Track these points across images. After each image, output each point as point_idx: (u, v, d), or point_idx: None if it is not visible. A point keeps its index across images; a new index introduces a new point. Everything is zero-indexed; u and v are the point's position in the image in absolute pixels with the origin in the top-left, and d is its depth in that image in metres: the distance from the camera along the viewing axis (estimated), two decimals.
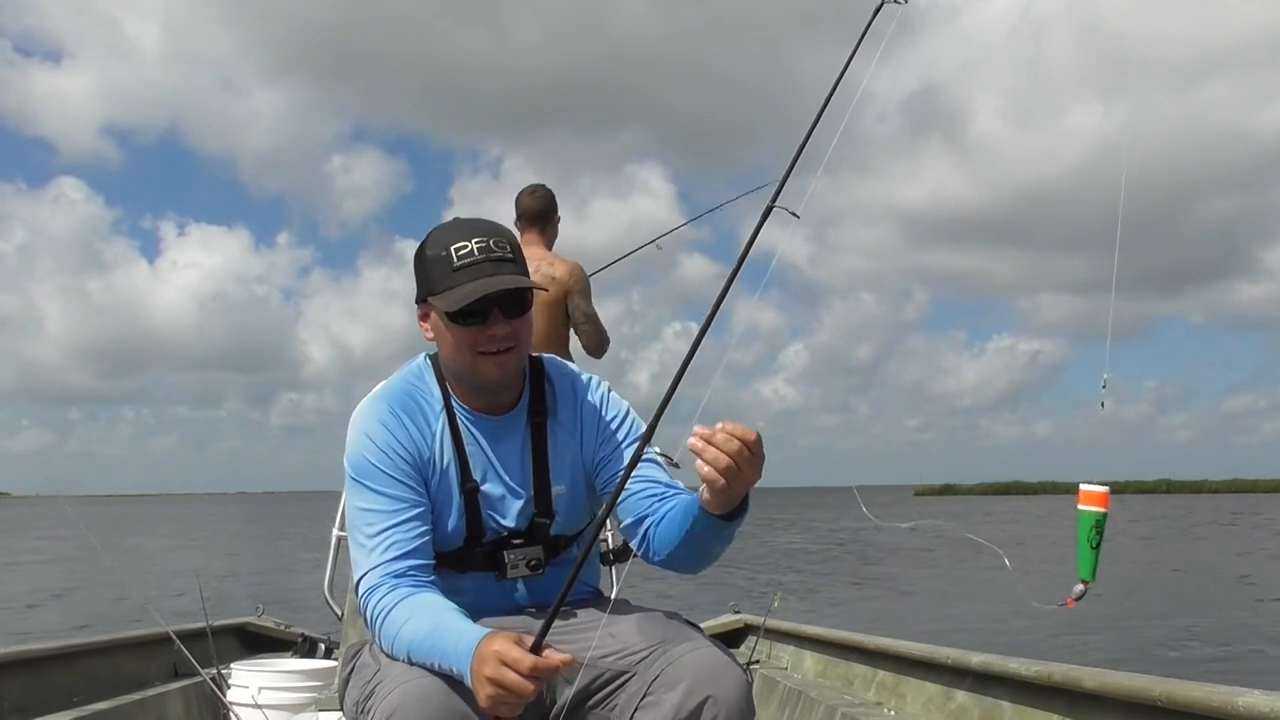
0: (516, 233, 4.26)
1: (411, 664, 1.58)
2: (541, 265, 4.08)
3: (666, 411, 1.59)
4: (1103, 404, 1.61)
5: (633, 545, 1.80)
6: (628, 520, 1.78)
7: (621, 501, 1.76)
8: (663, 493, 1.76)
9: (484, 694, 1.45)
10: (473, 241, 1.69)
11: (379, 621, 1.64)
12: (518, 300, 1.71)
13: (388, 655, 1.64)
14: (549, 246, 4.28)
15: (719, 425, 1.48)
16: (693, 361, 1.61)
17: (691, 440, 1.49)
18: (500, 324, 1.69)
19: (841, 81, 1.82)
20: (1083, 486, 1.55)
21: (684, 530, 1.65)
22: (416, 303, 1.78)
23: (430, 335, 1.77)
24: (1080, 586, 1.57)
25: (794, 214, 1.72)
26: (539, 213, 4.24)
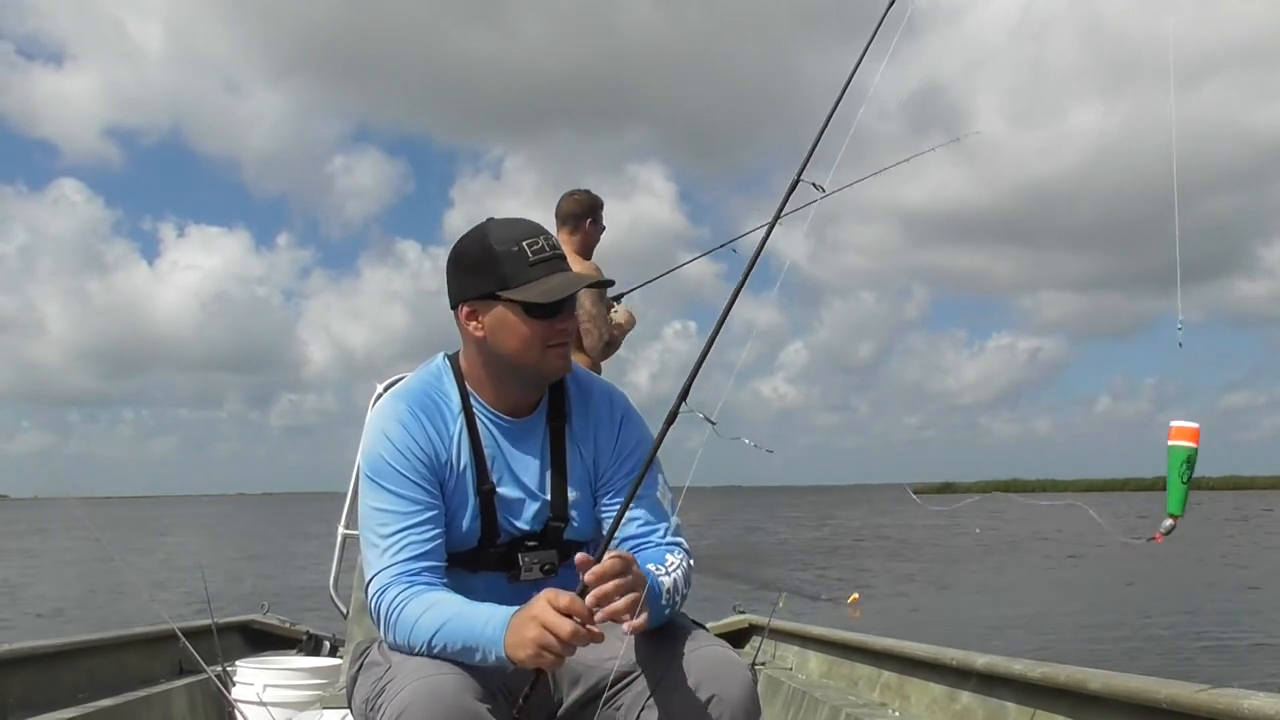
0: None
1: (431, 653, 1.59)
2: None
3: (699, 373, 1.68)
4: None
5: None
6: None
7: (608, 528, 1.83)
8: (639, 547, 1.78)
9: (529, 636, 1.49)
10: (541, 238, 1.73)
11: (393, 617, 1.64)
12: (573, 297, 1.76)
13: (403, 650, 1.64)
14: (578, 249, 4.43)
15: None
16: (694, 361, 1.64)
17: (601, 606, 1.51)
18: (570, 318, 1.75)
19: (842, 79, 1.85)
20: (1173, 423, 1.60)
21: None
22: (468, 300, 1.74)
23: (481, 332, 1.74)
24: (1169, 521, 1.62)
25: (818, 186, 1.73)
26: (569, 215, 4.43)
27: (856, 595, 15.52)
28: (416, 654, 1.62)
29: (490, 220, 1.76)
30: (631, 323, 4.59)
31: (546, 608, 1.49)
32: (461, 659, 1.58)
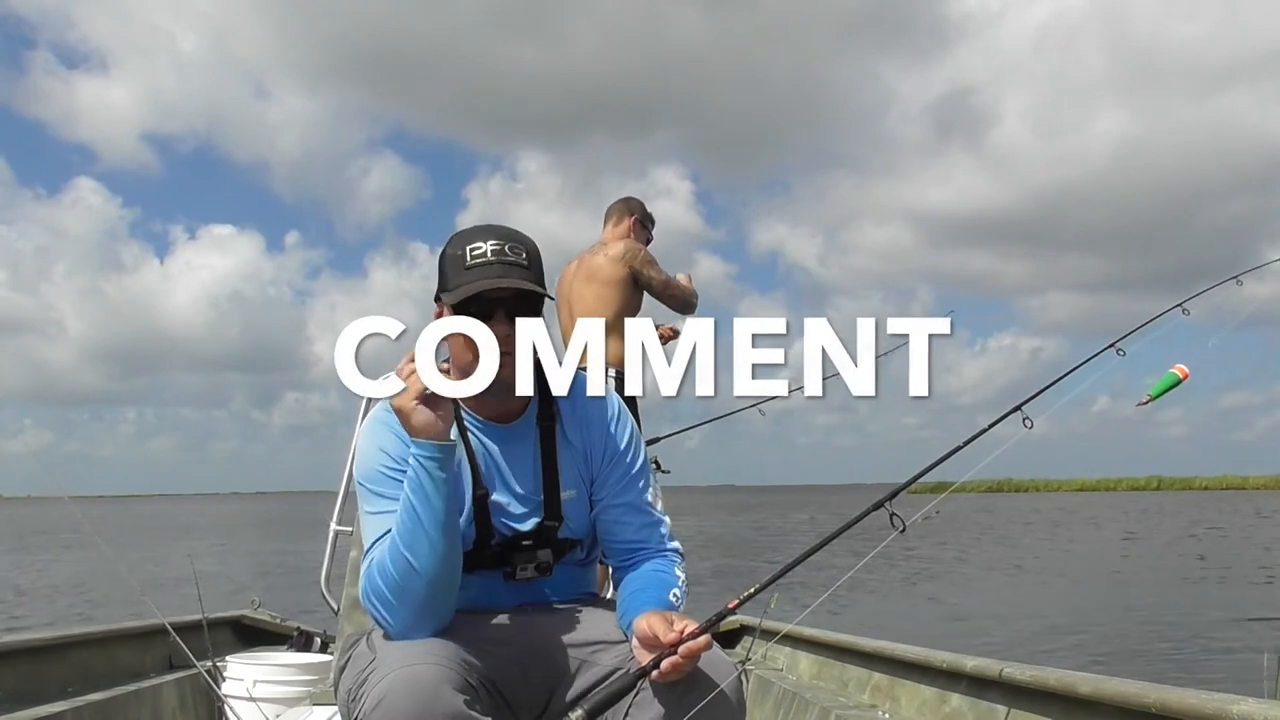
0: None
1: (411, 560, 1.59)
2: (600, 250, 4.55)
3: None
4: None
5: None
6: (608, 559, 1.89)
7: (604, 538, 1.87)
8: (637, 551, 1.84)
9: (400, 406, 1.58)
10: (488, 243, 1.70)
11: (374, 577, 1.63)
12: (525, 305, 1.70)
13: (400, 607, 1.61)
14: (620, 237, 4.68)
15: (681, 646, 1.54)
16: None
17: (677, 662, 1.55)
18: (503, 324, 1.66)
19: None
20: (1179, 365, 2.47)
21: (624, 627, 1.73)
22: (436, 303, 1.78)
23: None
24: (1146, 398, 2.48)
25: None
26: (610, 212, 4.78)
27: None
28: (408, 584, 1.60)
29: (476, 225, 1.76)
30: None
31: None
32: (422, 516, 1.59)
